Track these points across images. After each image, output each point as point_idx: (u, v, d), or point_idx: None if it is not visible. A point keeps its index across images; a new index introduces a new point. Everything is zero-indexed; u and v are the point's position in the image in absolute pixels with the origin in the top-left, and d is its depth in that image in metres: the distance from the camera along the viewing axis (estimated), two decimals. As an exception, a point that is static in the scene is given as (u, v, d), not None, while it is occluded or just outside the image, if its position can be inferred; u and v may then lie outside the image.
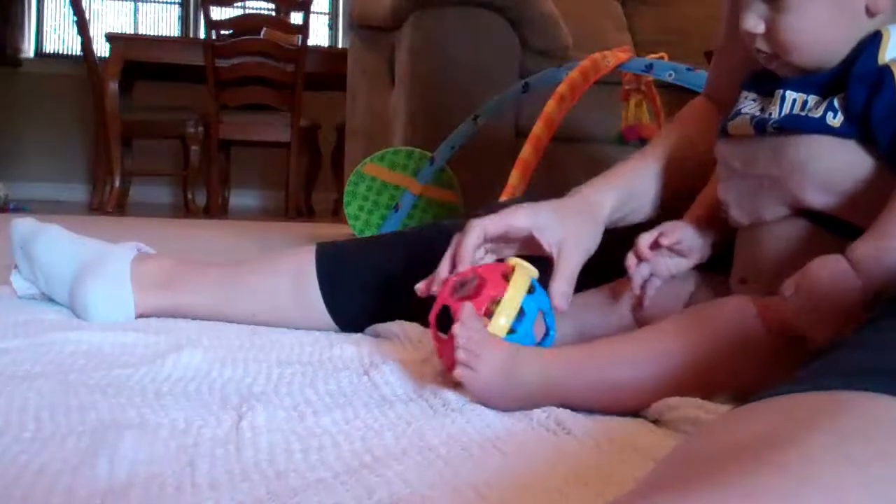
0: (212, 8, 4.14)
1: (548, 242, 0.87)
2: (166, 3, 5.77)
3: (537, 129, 1.73)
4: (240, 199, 5.18)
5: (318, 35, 5.69)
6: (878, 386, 0.42)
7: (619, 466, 0.60)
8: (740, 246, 0.83)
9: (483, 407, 0.73)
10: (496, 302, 0.80)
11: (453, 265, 0.87)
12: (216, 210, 4.39)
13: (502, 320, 0.79)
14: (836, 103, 0.71)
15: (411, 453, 0.62)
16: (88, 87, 4.51)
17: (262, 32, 4.21)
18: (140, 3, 5.72)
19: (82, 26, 4.26)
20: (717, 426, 0.45)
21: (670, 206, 0.94)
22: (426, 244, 1.05)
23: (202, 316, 1.15)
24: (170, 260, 1.18)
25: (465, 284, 0.83)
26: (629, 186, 0.94)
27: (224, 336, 1.06)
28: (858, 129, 0.70)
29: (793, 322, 0.66)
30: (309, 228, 3.46)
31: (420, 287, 0.89)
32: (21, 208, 3.89)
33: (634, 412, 0.73)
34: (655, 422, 0.71)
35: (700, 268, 0.88)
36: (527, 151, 1.74)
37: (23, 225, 1.20)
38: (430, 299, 0.85)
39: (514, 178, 1.73)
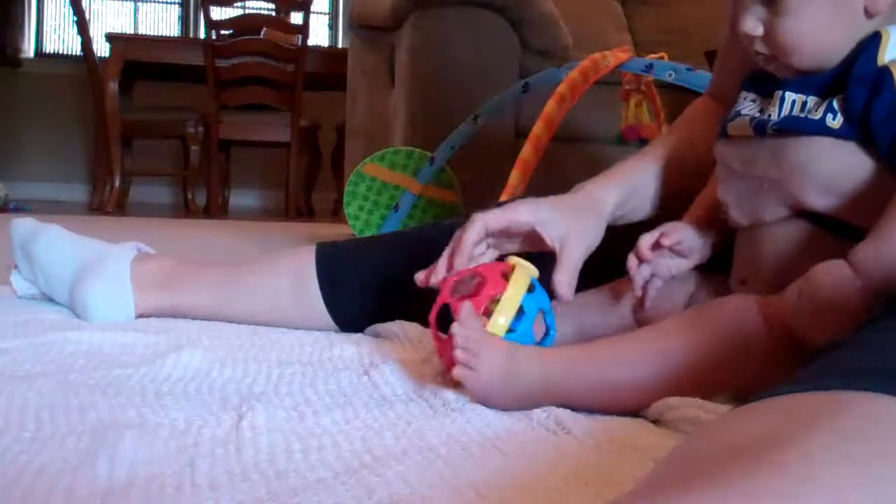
0: (212, 8, 4.14)
1: (550, 236, 0.87)
2: (166, 3, 5.77)
3: (537, 129, 1.73)
4: (240, 199, 5.18)
5: (318, 35, 5.69)
6: (878, 386, 0.42)
7: (619, 466, 0.60)
8: (740, 247, 0.83)
9: (483, 407, 0.73)
10: (495, 301, 0.80)
11: (453, 259, 0.87)
12: (216, 210, 4.39)
13: (501, 319, 0.79)
14: (835, 105, 0.71)
15: (411, 453, 0.62)
16: (88, 87, 4.51)
17: (262, 32, 4.21)
18: (140, 3, 5.72)
19: (82, 26, 4.26)
20: (717, 426, 0.45)
21: (669, 207, 0.94)
22: (426, 244, 1.05)
23: (202, 316, 1.15)
24: (170, 260, 1.18)
25: (465, 283, 0.83)
26: (631, 184, 0.94)
27: (224, 336, 1.06)
28: (858, 130, 0.70)
29: (794, 326, 0.66)
30: (309, 228, 3.46)
31: (419, 277, 0.89)
32: (21, 208, 3.89)
33: (634, 412, 0.73)
34: (655, 422, 0.71)
35: (700, 268, 0.88)
36: (527, 151, 1.74)
37: (23, 225, 1.20)
38: (430, 299, 0.85)
39: (514, 178, 1.73)
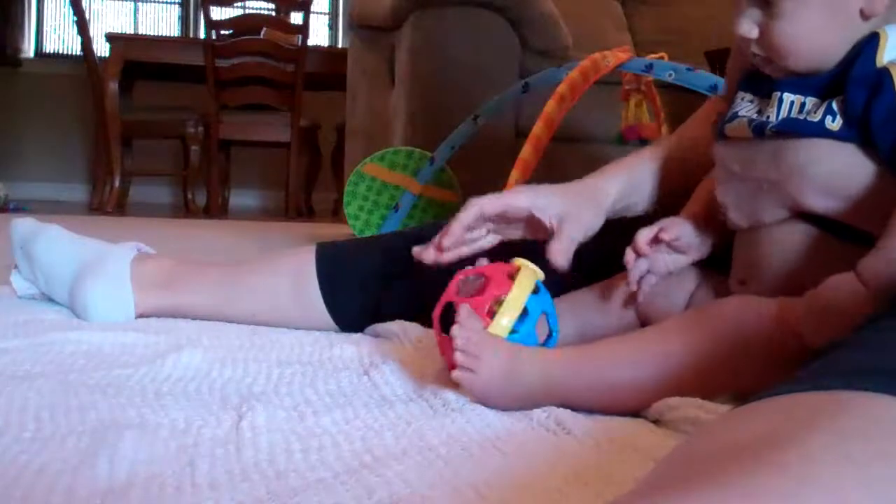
0: (212, 8, 4.14)
1: (549, 217, 0.88)
2: (166, 3, 5.76)
3: (537, 129, 1.73)
4: (240, 199, 5.18)
5: (318, 35, 5.69)
6: (878, 386, 0.42)
7: (619, 466, 0.60)
8: (739, 248, 0.83)
9: (483, 407, 0.73)
10: (500, 301, 0.80)
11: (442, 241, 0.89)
12: (216, 210, 4.39)
13: (505, 320, 0.79)
14: (834, 106, 0.71)
15: (411, 453, 0.62)
16: (88, 87, 4.51)
17: (262, 32, 4.21)
18: (140, 3, 5.72)
19: (82, 26, 4.26)
20: (717, 426, 0.45)
21: (667, 203, 0.94)
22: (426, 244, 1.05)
23: (202, 316, 1.15)
24: (170, 260, 1.18)
25: (470, 283, 0.83)
26: (632, 178, 0.95)
27: (224, 336, 1.06)
28: (858, 132, 0.70)
29: (804, 334, 0.66)
30: (309, 228, 3.46)
31: (416, 250, 0.91)
32: (21, 208, 3.89)
33: (635, 412, 0.73)
34: (656, 422, 0.71)
35: (702, 265, 0.88)
36: (527, 151, 1.74)
37: (23, 225, 1.20)
38: (431, 298, 0.85)
39: (514, 178, 1.72)
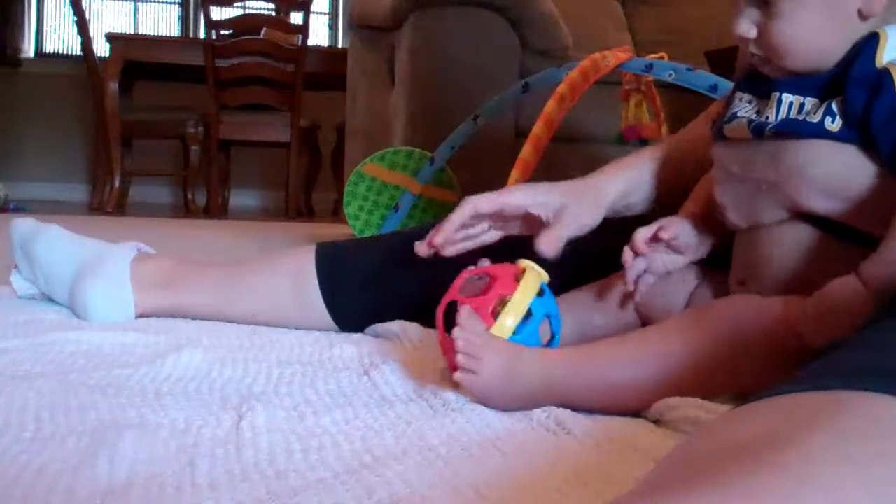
0: (212, 8, 4.13)
1: (546, 212, 0.89)
2: (166, 3, 5.76)
3: (537, 129, 1.73)
4: (240, 199, 5.18)
5: (318, 35, 5.69)
6: (878, 386, 0.42)
7: (619, 466, 0.60)
8: (738, 248, 0.83)
9: (483, 407, 0.73)
10: (504, 302, 0.80)
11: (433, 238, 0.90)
12: (216, 210, 4.39)
13: (509, 321, 0.79)
14: (834, 107, 0.71)
15: (411, 453, 0.62)
16: (88, 87, 4.51)
17: (262, 32, 4.21)
18: (140, 3, 5.72)
19: (82, 26, 4.26)
20: (717, 426, 0.45)
21: (666, 203, 0.94)
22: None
23: (202, 316, 1.15)
24: (170, 260, 1.18)
25: (475, 282, 0.83)
26: (633, 178, 0.95)
27: (224, 336, 1.06)
28: (857, 133, 0.70)
29: (804, 334, 0.66)
30: (309, 228, 3.46)
31: (417, 245, 0.92)
32: (21, 208, 3.89)
33: (635, 412, 0.73)
34: (656, 422, 0.71)
35: (701, 264, 0.88)
36: (527, 151, 1.74)
37: (23, 225, 1.20)
38: (432, 299, 0.85)
39: (514, 178, 1.72)
